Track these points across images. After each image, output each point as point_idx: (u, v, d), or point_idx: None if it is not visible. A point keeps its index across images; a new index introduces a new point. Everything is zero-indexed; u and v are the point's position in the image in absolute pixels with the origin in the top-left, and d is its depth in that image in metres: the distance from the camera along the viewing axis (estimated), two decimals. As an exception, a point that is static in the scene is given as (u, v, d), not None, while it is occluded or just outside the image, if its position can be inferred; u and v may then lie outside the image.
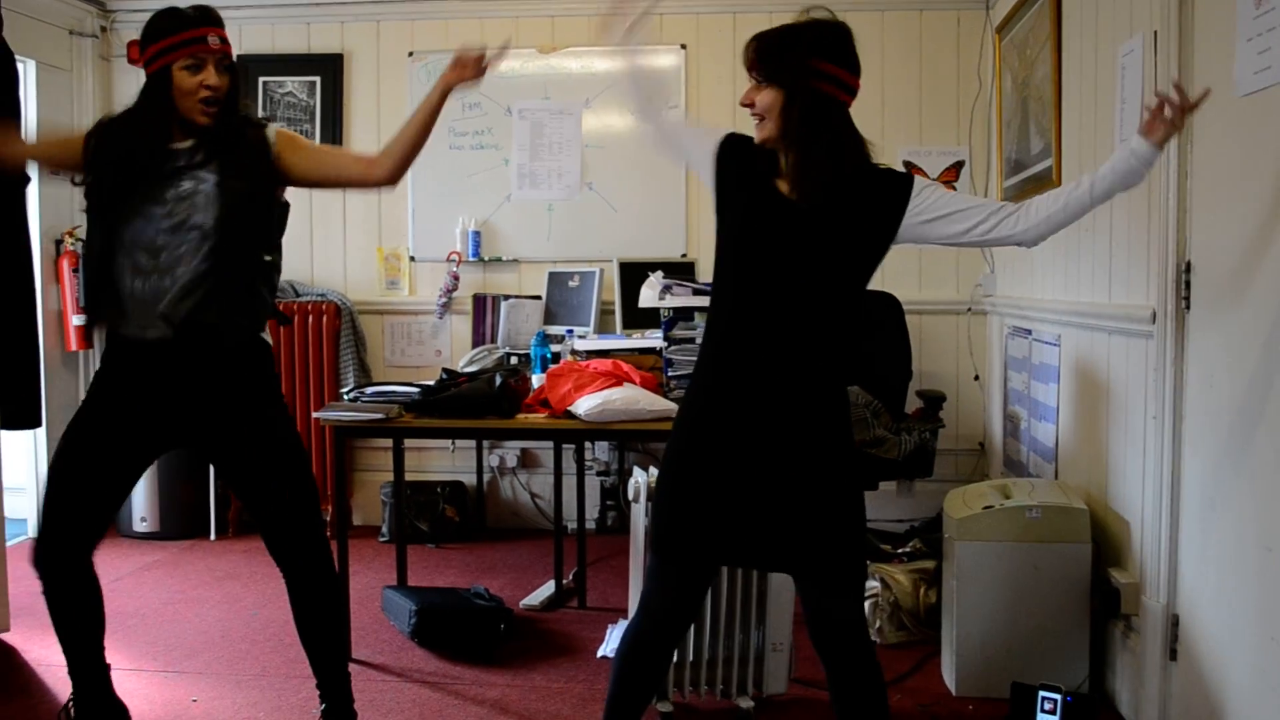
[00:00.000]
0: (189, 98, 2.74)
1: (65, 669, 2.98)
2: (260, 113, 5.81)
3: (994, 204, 2.49)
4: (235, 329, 2.83)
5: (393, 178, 2.98)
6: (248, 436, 2.86)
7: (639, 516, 3.33)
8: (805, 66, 2.40)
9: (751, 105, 2.44)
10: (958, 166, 5.52)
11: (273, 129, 2.89)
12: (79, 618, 2.90)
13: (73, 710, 3.00)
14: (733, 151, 2.53)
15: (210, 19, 2.79)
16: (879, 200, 2.44)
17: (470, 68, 2.88)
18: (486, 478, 5.87)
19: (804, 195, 2.41)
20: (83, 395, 3.03)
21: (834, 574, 2.48)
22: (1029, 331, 4.53)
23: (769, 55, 2.42)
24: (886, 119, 5.49)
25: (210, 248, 2.74)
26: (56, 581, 2.82)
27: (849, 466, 2.51)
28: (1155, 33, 3.05)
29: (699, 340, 3.73)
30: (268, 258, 2.90)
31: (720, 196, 2.55)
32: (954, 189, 5.49)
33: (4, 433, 4.12)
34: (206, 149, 2.78)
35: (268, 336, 2.96)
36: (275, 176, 2.87)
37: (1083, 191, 2.41)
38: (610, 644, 3.93)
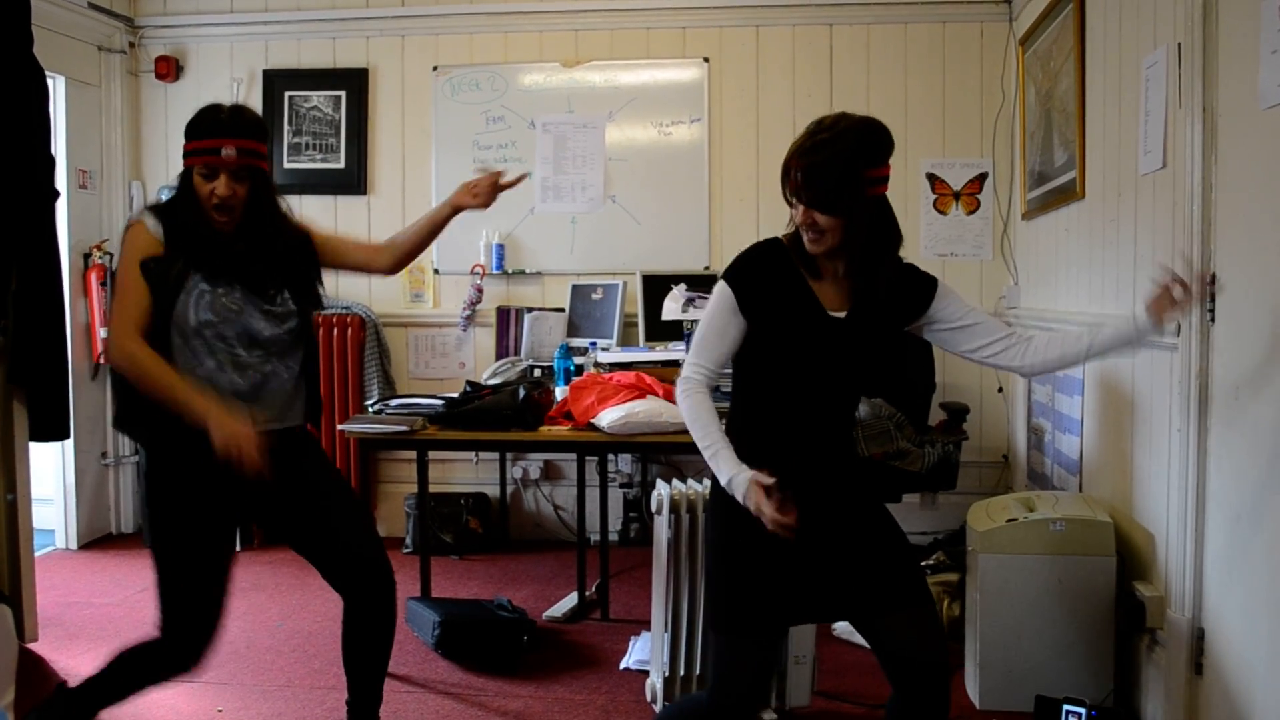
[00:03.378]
0: (204, 202, 2.77)
1: (91, 678, 2.98)
2: (288, 126, 5.86)
3: (1001, 329, 2.55)
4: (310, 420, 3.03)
5: (391, 271, 3.22)
6: (302, 490, 2.96)
7: (662, 528, 3.34)
8: (861, 188, 2.35)
9: (812, 226, 2.36)
10: (981, 178, 5.51)
11: (313, 232, 3.05)
12: None
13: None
14: (747, 282, 2.45)
15: (233, 129, 2.77)
16: (907, 301, 2.51)
17: (482, 195, 3.10)
18: (510, 489, 5.88)
19: (856, 306, 2.44)
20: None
21: (906, 593, 2.47)
22: (1053, 344, 4.50)
23: (826, 191, 2.32)
24: (910, 130, 5.49)
25: (301, 359, 2.94)
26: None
27: (896, 530, 2.55)
28: (1179, 45, 3.04)
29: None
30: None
31: (760, 310, 2.45)
32: (977, 201, 5.50)
33: (33, 444, 4.17)
34: (277, 260, 2.90)
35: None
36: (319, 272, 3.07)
37: (1081, 348, 2.51)
38: (633, 655, 3.93)
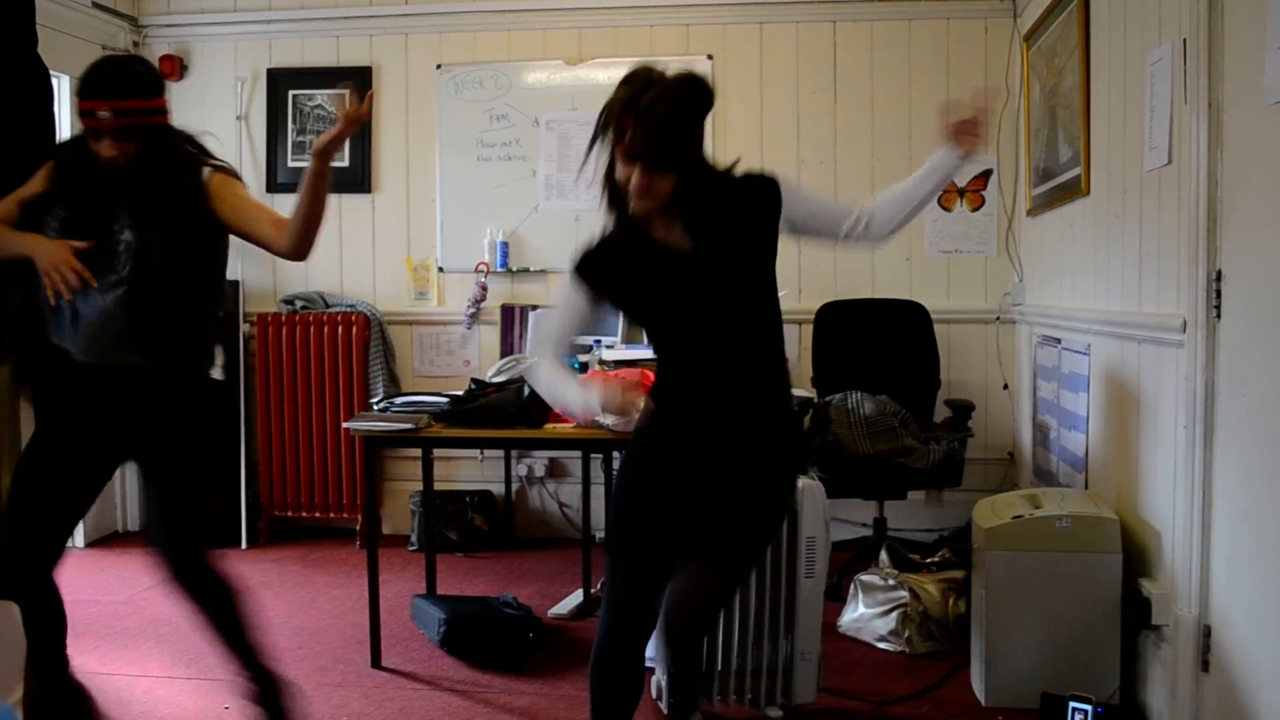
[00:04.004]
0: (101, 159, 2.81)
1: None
2: (292, 124, 5.87)
3: (849, 207, 2.58)
4: (163, 369, 2.93)
5: (294, 251, 2.92)
6: (167, 467, 2.99)
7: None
8: (691, 145, 2.40)
9: (640, 188, 2.38)
10: (985, 175, 5.50)
11: (207, 173, 2.93)
12: (42, 628, 2.99)
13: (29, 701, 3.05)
14: (589, 265, 2.57)
15: (100, 90, 2.78)
16: (753, 211, 2.50)
17: (340, 124, 2.80)
18: (515, 487, 5.88)
19: (696, 241, 2.47)
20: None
21: (737, 559, 2.64)
22: (1058, 340, 4.51)
23: (659, 150, 2.35)
24: (913, 127, 5.49)
25: (121, 296, 2.84)
26: (20, 599, 2.87)
27: (787, 468, 2.67)
28: (1184, 40, 3.03)
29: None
30: (199, 295, 2.98)
31: (618, 292, 2.58)
32: (982, 198, 5.49)
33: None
34: (131, 200, 2.85)
35: (218, 373, 3.05)
36: (206, 221, 2.92)
37: (912, 191, 2.62)
38: (639, 653, 3.93)
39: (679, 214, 2.45)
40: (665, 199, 2.40)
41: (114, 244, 2.83)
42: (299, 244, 2.91)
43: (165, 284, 2.88)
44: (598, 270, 2.56)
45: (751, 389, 2.55)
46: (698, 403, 2.54)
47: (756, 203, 2.50)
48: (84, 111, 2.77)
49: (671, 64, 2.45)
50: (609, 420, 2.48)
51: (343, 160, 5.86)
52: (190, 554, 3.01)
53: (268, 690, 3.11)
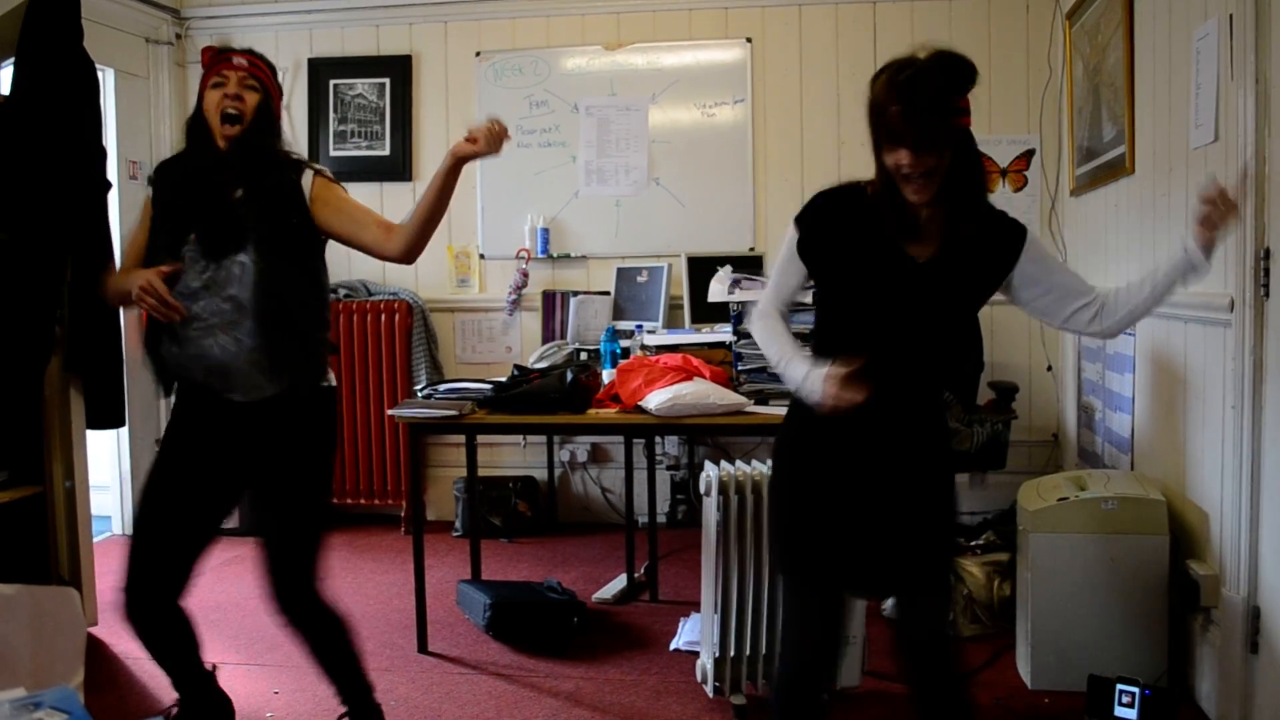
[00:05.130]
0: (214, 114, 2.79)
1: (149, 660, 3.03)
2: (333, 114, 5.90)
3: (1084, 292, 2.46)
4: (294, 390, 2.85)
5: (406, 254, 2.85)
6: (290, 492, 2.89)
7: (711, 510, 3.35)
8: (957, 117, 2.31)
9: (911, 168, 2.28)
10: (1028, 155, 5.46)
11: (309, 177, 2.85)
12: (174, 653, 2.94)
13: (175, 713, 3.05)
14: (814, 221, 2.45)
15: (248, 51, 2.88)
16: (995, 250, 2.43)
17: (483, 141, 2.73)
18: (558, 472, 5.91)
19: (945, 248, 2.38)
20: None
21: (930, 584, 2.51)
22: (1103, 321, 4.46)
23: (930, 128, 2.25)
24: (955, 108, 5.44)
25: (248, 321, 2.75)
26: (145, 631, 2.87)
27: (951, 493, 2.54)
28: (1230, 16, 2.99)
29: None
30: (315, 304, 2.90)
31: (826, 257, 2.45)
32: (1025, 178, 5.44)
33: (89, 432, 4.24)
34: (247, 204, 2.77)
35: (332, 379, 2.96)
36: (310, 228, 2.85)
37: (1145, 295, 2.45)
38: (683, 637, 3.95)
39: (941, 217, 2.36)
40: (937, 186, 2.31)
41: (227, 266, 2.75)
42: (413, 246, 2.84)
43: (289, 304, 2.80)
44: (825, 225, 2.43)
45: (923, 401, 2.49)
46: (874, 412, 2.38)
47: (1001, 242, 2.43)
48: (222, 59, 2.82)
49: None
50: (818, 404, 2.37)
51: (384, 149, 5.89)
52: (304, 585, 2.89)
53: None
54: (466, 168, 2.89)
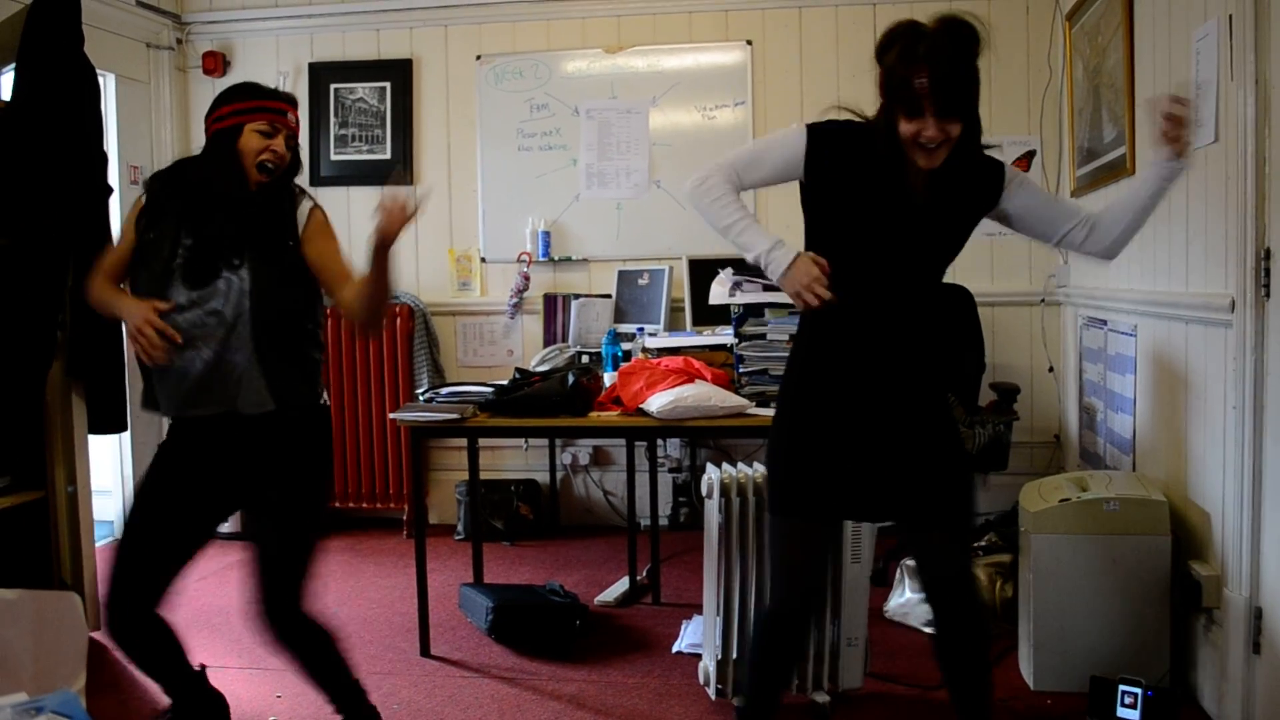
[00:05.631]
0: (250, 157, 2.79)
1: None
2: (334, 118, 5.91)
3: (1076, 211, 2.56)
4: (284, 404, 2.82)
5: (367, 329, 2.87)
6: (284, 509, 2.88)
7: (713, 512, 3.35)
8: (977, 85, 2.39)
9: (934, 138, 2.33)
10: (1029, 156, 5.46)
11: (306, 207, 2.85)
12: (157, 662, 2.93)
13: (169, 716, 3.05)
14: (827, 143, 2.47)
15: (293, 101, 2.92)
16: (979, 191, 2.53)
17: (394, 218, 2.58)
18: (560, 475, 5.91)
19: (933, 193, 2.45)
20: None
21: (945, 518, 2.54)
22: (1104, 322, 4.47)
23: (955, 99, 2.32)
24: (955, 110, 5.45)
25: (232, 336, 2.74)
26: (129, 643, 2.86)
27: (953, 427, 2.61)
28: (1230, 17, 3.00)
29: (769, 336, 3.75)
30: (309, 325, 2.89)
31: (828, 188, 2.49)
32: (1025, 179, 5.44)
33: (91, 437, 4.24)
34: (245, 222, 2.78)
35: (326, 398, 2.97)
36: (298, 253, 2.83)
37: (1136, 206, 2.54)
38: (685, 639, 3.95)
39: (946, 177, 2.43)
40: (949, 148, 2.37)
41: (220, 284, 2.73)
42: (366, 323, 2.84)
43: (283, 321, 2.81)
44: (834, 149, 2.46)
45: (915, 341, 2.53)
46: (862, 349, 2.50)
47: (985, 181, 2.53)
48: (277, 110, 2.83)
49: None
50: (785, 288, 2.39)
51: (384, 153, 5.90)
52: (293, 602, 2.89)
53: None
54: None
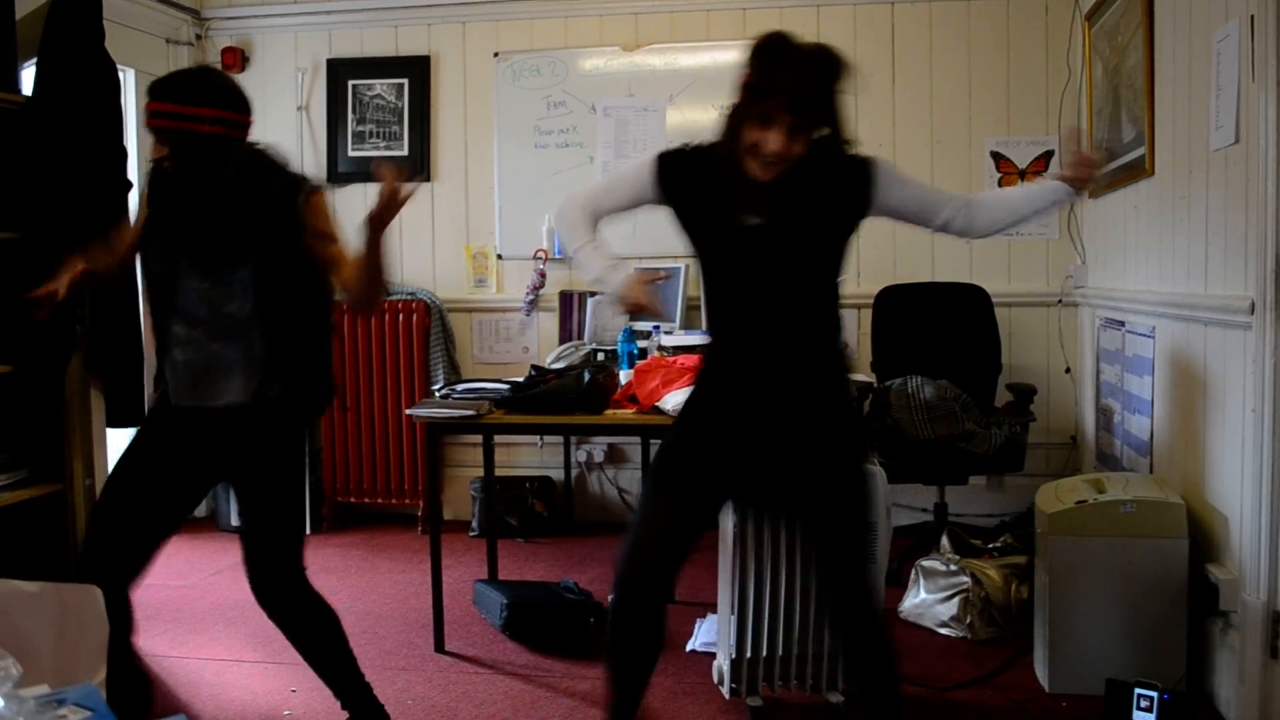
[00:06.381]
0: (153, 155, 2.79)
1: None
2: (352, 114, 5.93)
3: (950, 198, 2.61)
4: (295, 398, 2.89)
5: (357, 307, 2.89)
6: (264, 484, 2.93)
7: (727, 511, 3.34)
8: (839, 106, 2.41)
9: (777, 151, 2.36)
10: (1046, 156, 5.44)
11: (307, 193, 2.85)
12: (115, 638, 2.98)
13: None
14: (674, 169, 2.58)
15: (161, 92, 2.75)
16: (842, 195, 2.52)
17: (391, 201, 2.62)
18: (574, 473, 5.92)
19: (774, 212, 2.47)
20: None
21: (835, 519, 2.58)
22: (1122, 323, 4.46)
23: (813, 106, 2.36)
24: (974, 109, 5.44)
25: (252, 332, 2.79)
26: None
27: (849, 430, 2.65)
28: (1252, 17, 2.98)
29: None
30: (318, 314, 2.93)
31: (681, 215, 2.60)
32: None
33: (109, 430, 4.26)
34: (247, 219, 2.78)
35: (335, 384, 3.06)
36: (302, 242, 2.84)
37: (1022, 208, 2.64)
38: (699, 638, 3.95)
39: (786, 184, 2.44)
40: (789, 165, 2.39)
41: (230, 281, 2.78)
42: (361, 304, 2.85)
43: (292, 314, 2.85)
44: (681, 174, 2.55)
45: (797, 357, 2.57)
46: (744, 360, 2.58)
47: (847, 184, 2.52)
48: (149, 114, 2.77)
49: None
50: (611, 304, 2.53)
51: (402, 149, 5.91)
52: (291, 572, 2.95)
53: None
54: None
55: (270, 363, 2.82)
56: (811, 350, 2.59)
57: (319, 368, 2.96)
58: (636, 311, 2.53)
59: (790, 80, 2.32)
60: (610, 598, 2.69)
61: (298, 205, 2.82)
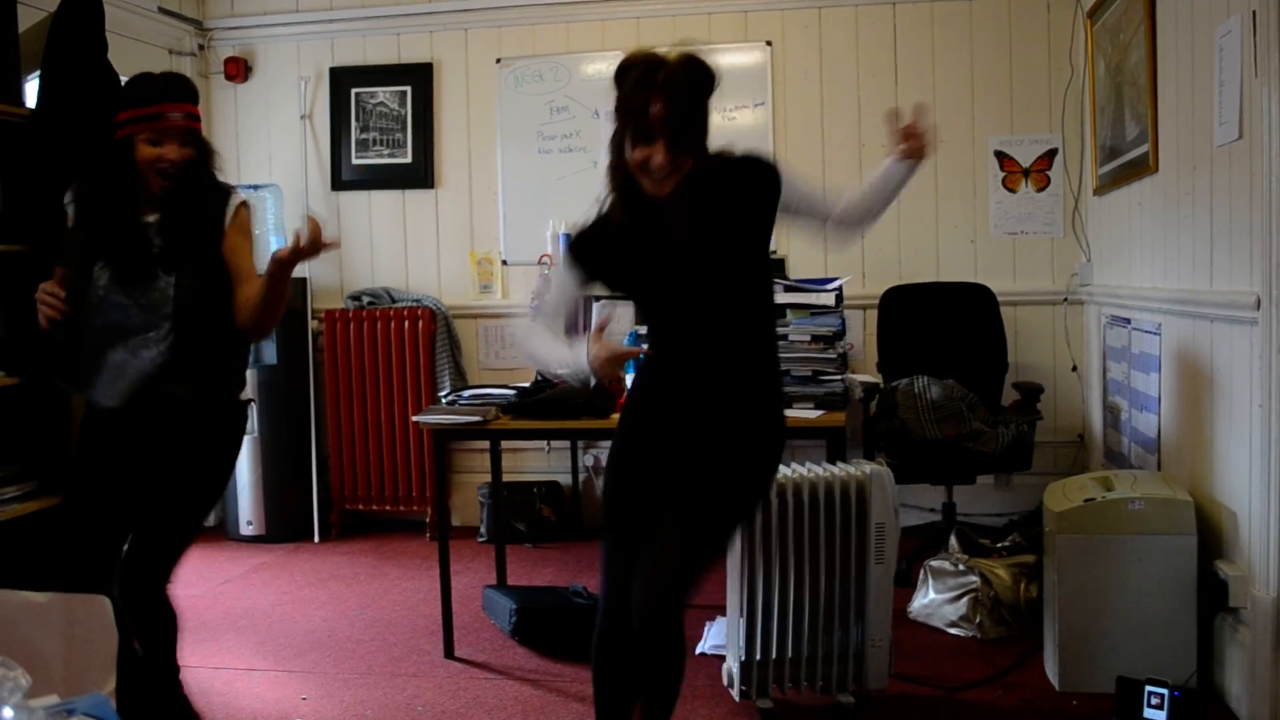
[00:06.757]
0: (146, 166, 2.83)
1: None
2: (355, 122, 5.94)
3: (827, 199, 2.64)
4: (202, 398, 2.93)
5: (248, 331, 2.92)
6: (180, 489, 2.95)
7: (734, 514, 3.34)
8: (708, 120, 2.43)
9: (662, 166, 2.38)
10: (1050, 154, 5.44)
11: (235, 204, 2.92)
12: None
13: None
14: (580, 240, 2.62)
15: (177, 93, 2.86)
16: (753, 192, 2.52)
17: (305, 243, 2.67)
18: (582, 477, 5.92)
19: (697, 224, 2.46)
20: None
21: (694, 510, 2.56)
22: (1128, 320, 4.45)
23: (683, 123, 2.37)
24: (977, 108, 5.44)
25: (173, 337, 2.84)
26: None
27: (767, 448, 2.68)
28: (1254, 13, 2.98)
29: (791, 337, 3.75)
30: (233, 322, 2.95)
31: (607, 278, 2.64)
32: (1047, 178, 5.43)
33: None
34: (166, 233, 2.85)
35: (247, 394, 3.07)
36: (220, 251, 2.91)
37: (872, 199, 2.66)
38: (709, 640, 3.95)
39: (686, 195, 2.44)
40: (681, 180, 2.41)
41: (158, 288, 2.85)
42: (254, 329, 2.91)
43: (209, 317, 2.89)
44: (591, 251, 2.59)
45: (735, 371, 2.57)
46: (681, 381, 2.59)
47: (757, 186, 2.52)
48: (155, 115, 2.81)
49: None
50: (595, 379, 2.60)
51: (405, 156, 5.92)
52: (160, 578, 2.97)
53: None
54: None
55: (184, 366, 2.87)
56: (746, 357, 2.59)
57: (231, 371, 3.02)
58: (611, 374, 2.56)
59: (658, 92, 2.33)
60: (593, 646, 2.73)
61: (224, 215, 2.90)
